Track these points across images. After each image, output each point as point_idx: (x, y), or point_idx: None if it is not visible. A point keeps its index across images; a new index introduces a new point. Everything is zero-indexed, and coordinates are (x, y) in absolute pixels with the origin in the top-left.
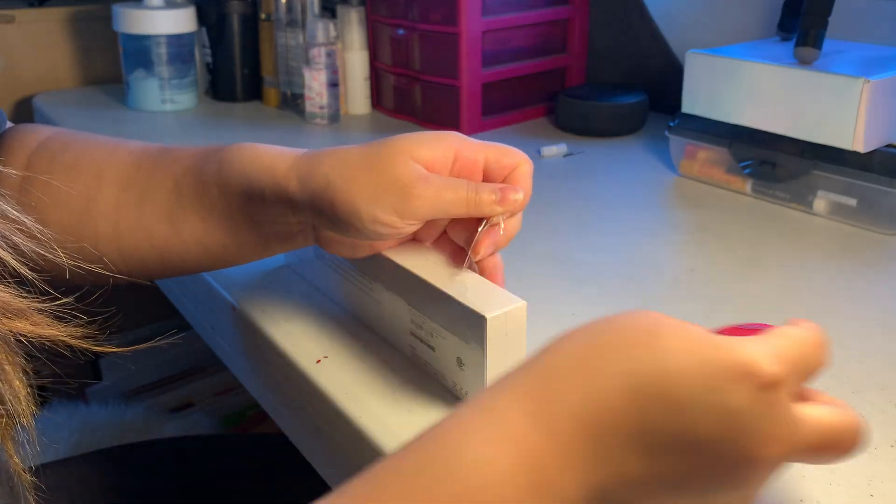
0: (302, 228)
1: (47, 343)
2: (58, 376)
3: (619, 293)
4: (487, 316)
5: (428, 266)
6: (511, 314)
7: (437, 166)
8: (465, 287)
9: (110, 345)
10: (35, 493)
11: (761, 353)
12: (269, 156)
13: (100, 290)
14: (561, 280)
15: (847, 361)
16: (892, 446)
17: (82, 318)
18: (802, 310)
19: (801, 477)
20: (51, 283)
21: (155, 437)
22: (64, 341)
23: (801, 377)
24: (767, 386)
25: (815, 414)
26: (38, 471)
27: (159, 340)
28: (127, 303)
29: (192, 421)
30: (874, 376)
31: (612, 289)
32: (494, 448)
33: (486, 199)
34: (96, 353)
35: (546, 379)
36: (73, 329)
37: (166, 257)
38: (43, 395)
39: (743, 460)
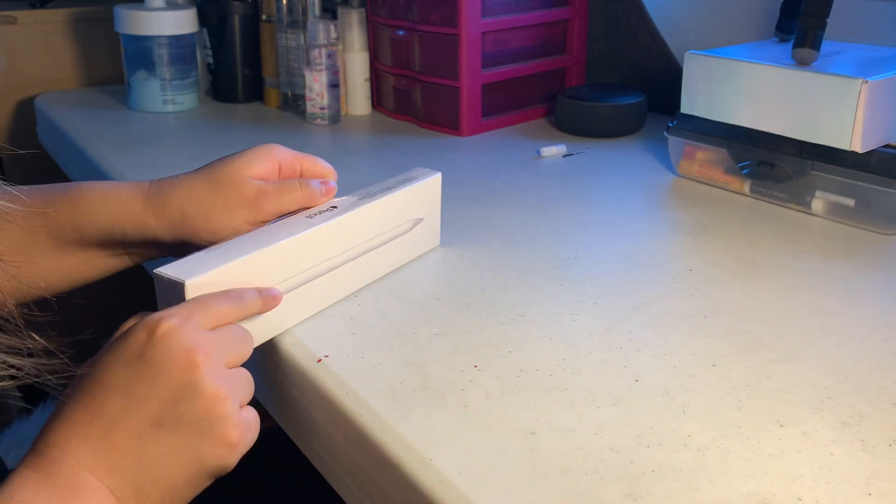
0: (161, 251)
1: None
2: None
3: (619, 293)
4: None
5: None
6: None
7: (269, 177)
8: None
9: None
10: None
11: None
12: (119, 197)
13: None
14: (561, 280)
15: (846, 361)
16: (890, 445)
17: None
18: (801, 309)
19: (799, 475)
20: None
21: None
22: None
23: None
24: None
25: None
26: None
27: None
28: (127, 302)
29: None
30: (873, 376)
31: (611, 289)
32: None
33: (315, 191)
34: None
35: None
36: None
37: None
38: (40, 393)
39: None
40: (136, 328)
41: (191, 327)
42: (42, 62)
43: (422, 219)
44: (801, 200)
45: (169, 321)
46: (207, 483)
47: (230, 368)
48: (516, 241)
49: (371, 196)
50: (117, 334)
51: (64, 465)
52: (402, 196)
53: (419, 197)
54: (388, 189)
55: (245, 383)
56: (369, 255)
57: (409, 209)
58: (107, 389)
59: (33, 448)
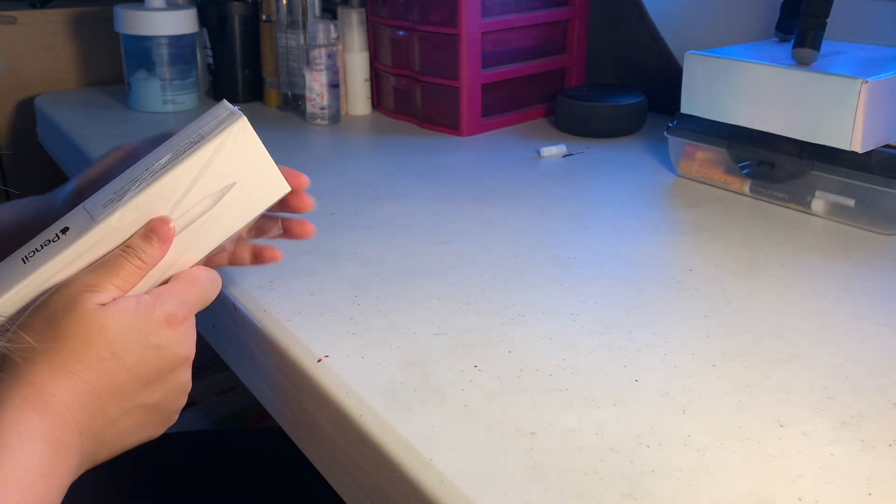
0: None
1: None
2: None
3: (618, 293)
4: None
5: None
6: None
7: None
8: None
9: None
10: None
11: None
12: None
13: None
14: (560, 280)
15: (846, 361)
16: (890, 445)
17: None
18: (801, 309)
19: (799, 475)
20: None
21: None
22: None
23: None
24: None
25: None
26: None
27: None
28: None
29: (191, 419)
30: (873, 376)
31: (611, 289)
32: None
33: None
34: None
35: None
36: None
37: None
38: None
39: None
40: (157, 314)
41: (193, 321)
42: (42, 62)
43: (233, 183)
44: (801, 200)
45: (183, 311)
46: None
47: None
48: (516, 241)
49: (152, 176)
50: (127, 295)
51: (66, 428)
52: (185, 172)
53: (218, 162)
54: (172, 162)
55: None
56: (187, 233)
57: (208, 182)
58: (119, 362)
59: (32, 382)
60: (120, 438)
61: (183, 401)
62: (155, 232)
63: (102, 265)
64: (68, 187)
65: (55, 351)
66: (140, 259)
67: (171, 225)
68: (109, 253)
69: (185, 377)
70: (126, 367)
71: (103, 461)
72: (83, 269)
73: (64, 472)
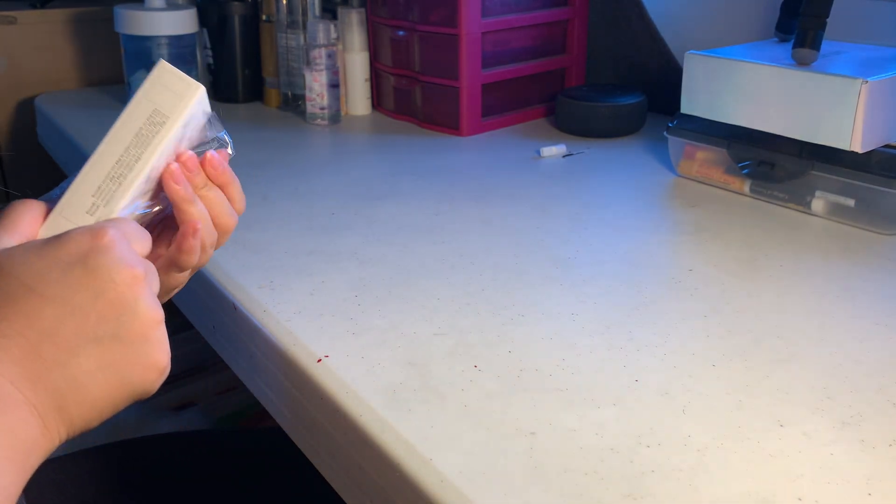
0: None
1: None
2: None
3: (619, 293)
4: None
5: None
6: None
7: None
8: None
9: None
10: (25, 492)
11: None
12: None
13: None
14: (560, 280)
15: (846, 361)
16: (890, 445)
17: None
18: (800, 309)
19: (799, 475)
20: None
21: (150, 434)
22: None
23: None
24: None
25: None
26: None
27: None
28: None
29: (191, 419)
30: (873, 376)
31: (611, 289)
32: None
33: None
34: None
35: None
36: None
37: None
38: None
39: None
40: (76, 233)
41: (128, 244)
42: (42, 62)
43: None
44: (801, 200)
45: (111, 231)
46: (127, 404)
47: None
48: (516, 241)
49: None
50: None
51: None
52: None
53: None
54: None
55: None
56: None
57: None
58: (41, 297)
59: None
60: (83, 387)
61: (155, 331)
62: None
63: None
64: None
65: None
66: (21, 199)
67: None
68: None
69: (143, 300)
70: (47, 298)
71: (87, 423)
72: None
73: (21, 440)
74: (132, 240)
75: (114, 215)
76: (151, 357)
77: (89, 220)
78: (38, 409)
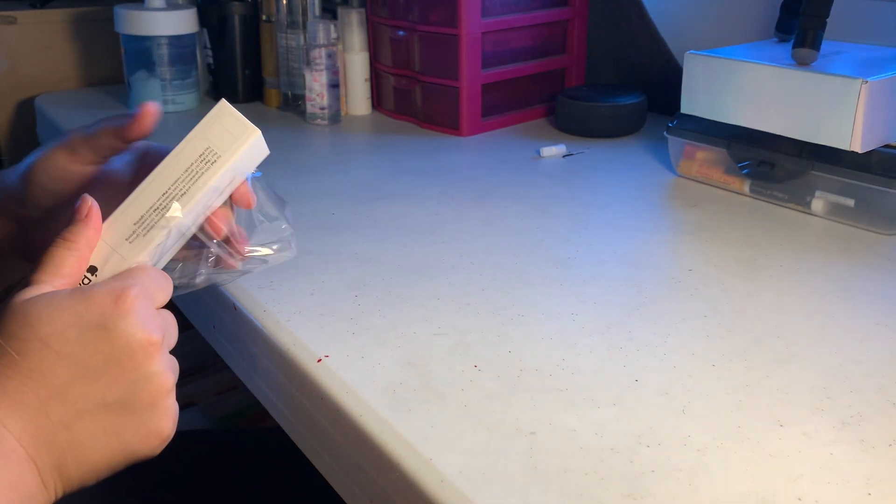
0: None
1: None
2: None
3: (618, 293)
4: None
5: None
6: None
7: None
8: None
9: None
10: None
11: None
12: None
13: None
14: (560, 280)
15: (845, 361)
16: (890, 445)
17: None
18: (800, 309)
19: (799, 475)
20: None
21: None
22: None
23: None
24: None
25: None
26: None
27: None
28: None
29: (191, 419)
30: (873, 376)
31: (611, 289)
32: None
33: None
34: None
35: None
36: None
37: None
38: None
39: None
40: (100, 291)
41: (150, 304)
42: (42, 62)
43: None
44: (801, 200)
45: (133, 292)
46: (125, 467)
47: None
48: (516, 241)
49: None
50: (60, 285)
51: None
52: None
53: (236, 171)
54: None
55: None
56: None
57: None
58: (56, 354)
59: None
60: (85, 449)
61: (165, 400)
62: (77, 211)
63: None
64: (22, 166)
65: None
66: (65, 238)
67: (90, 202)
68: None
69: (155, 366)
70: (61, 356)
71: (83, 482)
72: None
73: (21, 495)
74: (154, 292)
75: (152, 245)
76: (156, 425)
77: (127, 247)
78: (39, 465)
